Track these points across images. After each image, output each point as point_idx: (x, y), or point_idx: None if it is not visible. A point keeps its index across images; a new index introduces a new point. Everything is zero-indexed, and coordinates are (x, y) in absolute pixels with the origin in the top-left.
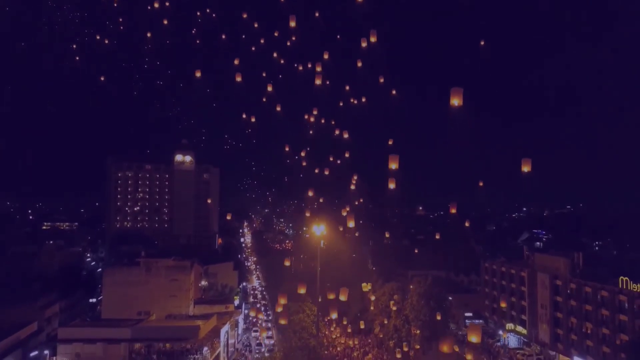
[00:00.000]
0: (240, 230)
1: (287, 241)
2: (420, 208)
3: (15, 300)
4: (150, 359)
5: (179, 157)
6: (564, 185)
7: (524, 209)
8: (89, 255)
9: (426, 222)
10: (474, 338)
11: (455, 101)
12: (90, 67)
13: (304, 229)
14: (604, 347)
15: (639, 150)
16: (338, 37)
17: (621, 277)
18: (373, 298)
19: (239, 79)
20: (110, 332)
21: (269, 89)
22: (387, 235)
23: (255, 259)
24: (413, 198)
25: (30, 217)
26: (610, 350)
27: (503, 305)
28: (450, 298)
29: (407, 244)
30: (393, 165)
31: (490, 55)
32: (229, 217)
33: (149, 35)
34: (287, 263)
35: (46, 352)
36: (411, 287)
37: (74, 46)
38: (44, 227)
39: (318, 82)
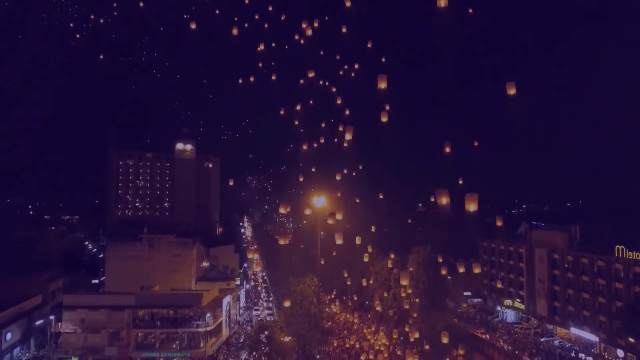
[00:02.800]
0: (241, 223)
1: (287, 232)
2: (420, 205)
3: (19, 274)
4: (153, 325)
5: (179, 146)
6: (564, 185)
7: (524, 205)
8: (90, 244)
9: (426, 217)
10: (471, 207)
11: (442, 2)
12: (89, 59)
13: (304, 222)
14: (600, 316)
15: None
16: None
17: (617, 246)
18: (366, 259)
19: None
20: (115, 299)
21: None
22: (381, 196)
23: (255, 246)
24: (413, 195)
25: (31, 213)
26: (606, 319)
27: (499, 283)
28: (449, 278)
29: (407, 231)
30: (382, 85)
31: (484, 48)
32: (231, 183)
33: (141, 6)
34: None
35: (51, 317)
36: (410, 257)
37: (73, 39)
38: (45, 219)
39: (309, 32)
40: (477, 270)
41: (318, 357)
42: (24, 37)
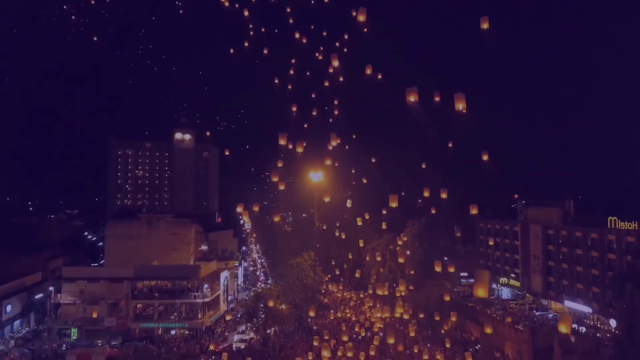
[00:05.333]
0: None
1: (286, 226)
2: (420, 200)
3: (20, 252)
4: (152, 296)
5: (178, 135)
6: (563, 181)
7: (523, 201)
8: (89, 234)
9: (424, 211)
10: (460, 106)
11: None
12: (85, 50)
13: (303, 215)
14: (594, 288)
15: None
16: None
17: (610, 217)
18: (360, 223)
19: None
20: (114, 271)
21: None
22: (373, 160)
23: (255, 235)
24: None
25: (30, 209)
26: (599, 290)
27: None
28: (446, 258)
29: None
30: (361, 18)
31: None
32: (227, 153)
33: None
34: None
35: (51, 288)
36: (405, 230)
37: (68, 30)
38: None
39: None
40: (474, 211)
41: (315, 328)
42: (17, 26)
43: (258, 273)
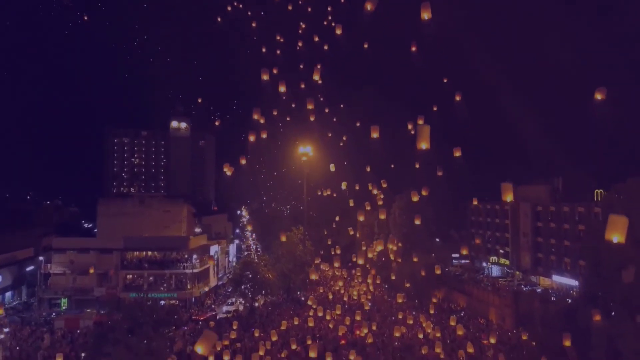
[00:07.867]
0: (238, 211)
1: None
2: (419, 198)
3: (13, 228)
4: (141, 267)
5: (174, 124)
6: (554, 157)
7: (505, 181)
8: (85, 222)
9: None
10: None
11: None
12: (80, 38)
13: (301, 208)
14: (580, 261)
15: None
16: None
17: (596, 190)
18: (344, 187)
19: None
20: (104, 242)
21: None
22: (358, 124)
23: (251, 223)
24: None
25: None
26: (585, 263)
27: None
28: (437, 240)
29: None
30: None
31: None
32: (217, 123)
33: None
34: None
35: (41, 258)
36: (394, 204)
37: (63, 17)
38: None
39: None
40: (457, 153)
41: (302, 299)
42: (11, 16)
43: (252, 256)
